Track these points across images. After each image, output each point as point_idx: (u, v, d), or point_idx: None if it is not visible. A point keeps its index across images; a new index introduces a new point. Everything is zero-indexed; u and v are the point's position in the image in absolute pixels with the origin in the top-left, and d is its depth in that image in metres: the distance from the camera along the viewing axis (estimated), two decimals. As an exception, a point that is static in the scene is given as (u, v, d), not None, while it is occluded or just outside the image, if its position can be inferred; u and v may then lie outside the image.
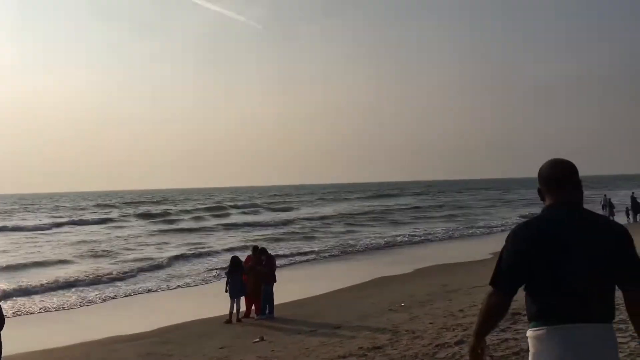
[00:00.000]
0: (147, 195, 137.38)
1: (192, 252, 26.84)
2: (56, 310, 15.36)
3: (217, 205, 74.24)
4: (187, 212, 61.69)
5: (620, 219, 32.38)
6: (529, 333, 2.57)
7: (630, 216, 33.38)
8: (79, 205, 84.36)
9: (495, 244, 25.40)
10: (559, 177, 2.59)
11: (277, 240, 31.81)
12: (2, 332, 8.06)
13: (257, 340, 10.14)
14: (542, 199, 2.67)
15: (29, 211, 73.46)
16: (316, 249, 27.28)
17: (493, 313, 2.61)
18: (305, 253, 25.94)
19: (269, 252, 13.66)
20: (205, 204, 77.97)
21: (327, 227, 40.65)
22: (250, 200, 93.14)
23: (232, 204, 78.20)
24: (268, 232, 37.92)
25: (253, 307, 12.89)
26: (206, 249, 27.94)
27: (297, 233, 36.18)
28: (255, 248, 13.52)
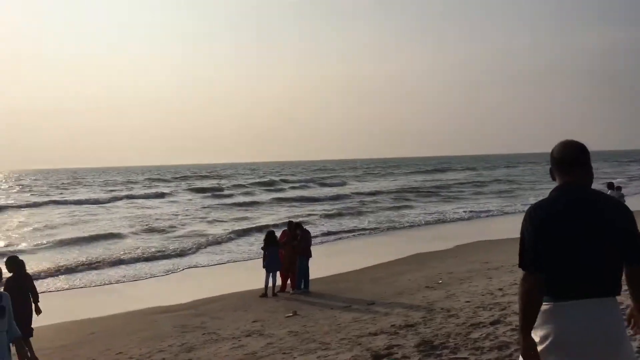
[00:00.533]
0: (193, 170, 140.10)
1: (246, 227, 27.03)
2: (112, 283, 15.80)
3: (269, 180, 74.20)
4: (241, 186, 62.13)
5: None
6: (541, 309, 2.62)
7: None
8: (130, 180, 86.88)
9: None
10: (570, 159, 2.69)
11: (328, 216, 31.44)
12: (40, 303, 8.39)
13: (290, 314, 10.11)
14: (553, 178, 2.79)
15: (83, 185, 76.29)
16: (362, 225, 27.19)
17: (533, 295, 2.59)
18: (352, 230, 25.73)
19: (305, 227, 13.58)
20: (255, 179, 78.47)
21: (376, 203, 40.04)
22: (295, 175, 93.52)
23: (281, 178, 78.56)
24: (321, 207, 37.64)
25: (289, 282, 12.89)
26: (260, 224, 27.93)
27: (350, 208, 35.88)
28: (290, 223, 13.47)
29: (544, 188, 49.59)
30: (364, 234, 24.49)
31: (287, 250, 12.72)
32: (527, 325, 2.61)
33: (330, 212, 33.04)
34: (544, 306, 2.59)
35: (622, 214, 2.62)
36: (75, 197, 50.78)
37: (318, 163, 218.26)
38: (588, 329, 2.52)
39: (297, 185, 64.67)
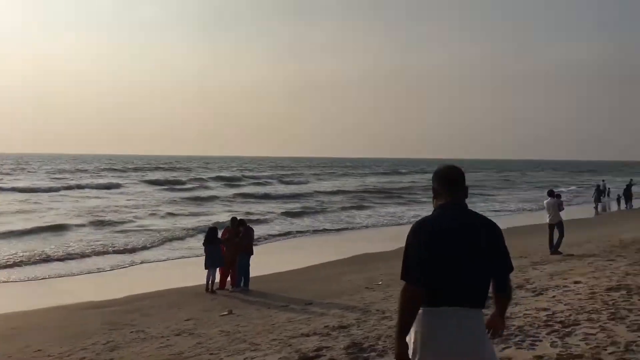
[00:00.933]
0: (145, 160, 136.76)
1: (202, 222, 26.19)
2: (52, 277, 15.03)
3: (231, 175, 72.96)
4: (199, 180, 60.98)
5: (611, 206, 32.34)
6: (418, 312, 2.86)
7: (622, 203, 32.86)
8: (79, 168, 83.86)
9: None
10: (453, 181, 3.01)
11: (287, 214, 30.97)
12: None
13: (225, 313, 9.88)
14: (435, 197, 3.06)
15: (27, 172, 73.14)
16: (317, 224, 27.12)
17: (410, 306, 2.81)
18: (308, 229, 25.52)
19: (248, 224, 13.35)
20: (213, 173, 77.22)
21: (336, 202, 39.61)
22: (252, 170, 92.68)
23: (242, 174, 77.42)
24: (281, 204, 37.13)
25: (229, 279, 12.65)
26: (217, 220, 26.51)
27: (310, 207, 35.51)
28: (233, 219, 13.23)
29: (500, 194, 50.71)
30: (317, 233, 24.34)
31: (228, 247, 12.48)
32: (402, 331, 2.83)
33: (289, 210, 32.72)
34: (424, 310, 2.82)
35: (497, 234, 2.95)
36: (19, 184, 48.79)
37: (274, 160, 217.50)
38: (456, 334, 2.78)
39: (259, 181, 63.93)
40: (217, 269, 12.46)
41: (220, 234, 13.03)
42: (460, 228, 2.87)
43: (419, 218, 3.06)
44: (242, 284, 12.31)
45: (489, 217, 3.11)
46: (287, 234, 23.65)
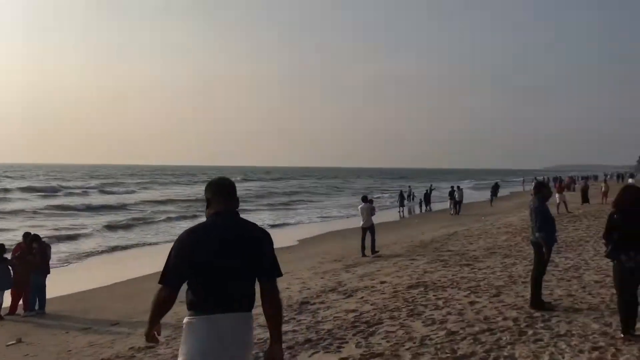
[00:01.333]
0: None
1: (3, 241, 22.52)
2: None
3: (44, 185, 65.04)
4: (2, 190, 54.28)
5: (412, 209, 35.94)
6: (185, 319, 3.05)
7: (423, 206, 36.66)
8: None
9: (302, 231, 25.83)
10: (226, 191, 3.18)
11: (108, 227, 28.36)
12: None
13: (13, 342, 8.62)
14: (208, 206, 3.18)
15: None
16: (132, 236, 25.37)
17: (162, 305, 3.05)
18: (128, 242, 23.52)
19: (43, 239, 11.87)
20: (20, 182, 69.00)
21: (162, 213, 36.98)
22: (65, 179, 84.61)
23: (57, 183, 69.67)
24: (98, 217, 34.10)
25: (21, 302, 11.09)
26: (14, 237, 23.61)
27: (134, 219, 32.90)
28: (26, 235, 11.66)
29: (322, 200, 52.82)
30: (139, 247, 22.49)
31: (20, 266, 10.95)
32: (153, 322, 3.11)
33: (111, 223, 30.05)
34: (191, 319, 2.99)
35: (267, 242, 3.13)
36: None
37: (88, 167, 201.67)
38: (226, 340, 2.93)
39: (77, 191, 58.06)
40: (7, 292, 10.86)
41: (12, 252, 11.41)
42: (233, 237, 3.02)
43: (191, 225, 3.15)
44: (36, 307, 10.86)
45: (260, 226, 3.25)
46: (106, 249, 21.59)
